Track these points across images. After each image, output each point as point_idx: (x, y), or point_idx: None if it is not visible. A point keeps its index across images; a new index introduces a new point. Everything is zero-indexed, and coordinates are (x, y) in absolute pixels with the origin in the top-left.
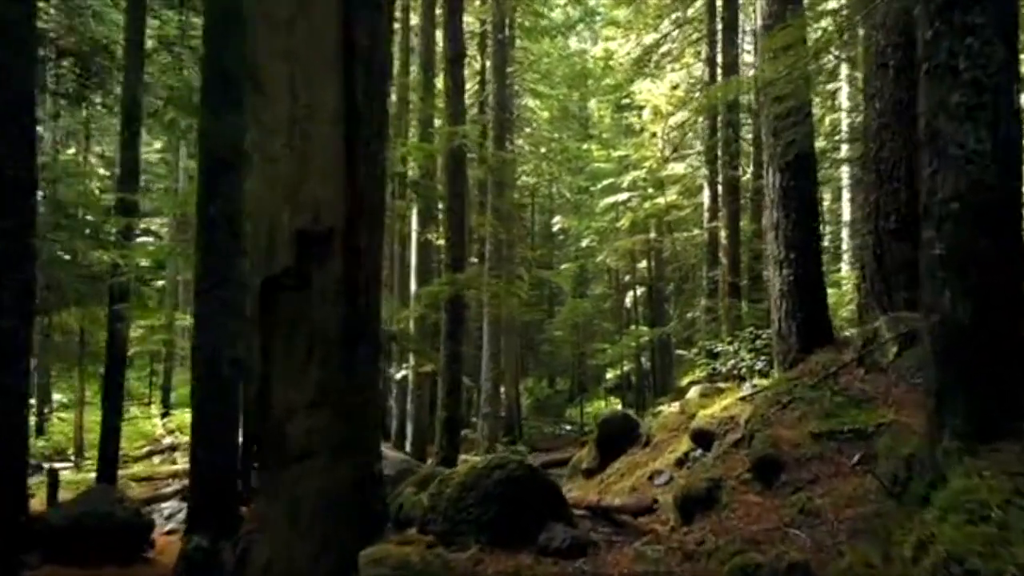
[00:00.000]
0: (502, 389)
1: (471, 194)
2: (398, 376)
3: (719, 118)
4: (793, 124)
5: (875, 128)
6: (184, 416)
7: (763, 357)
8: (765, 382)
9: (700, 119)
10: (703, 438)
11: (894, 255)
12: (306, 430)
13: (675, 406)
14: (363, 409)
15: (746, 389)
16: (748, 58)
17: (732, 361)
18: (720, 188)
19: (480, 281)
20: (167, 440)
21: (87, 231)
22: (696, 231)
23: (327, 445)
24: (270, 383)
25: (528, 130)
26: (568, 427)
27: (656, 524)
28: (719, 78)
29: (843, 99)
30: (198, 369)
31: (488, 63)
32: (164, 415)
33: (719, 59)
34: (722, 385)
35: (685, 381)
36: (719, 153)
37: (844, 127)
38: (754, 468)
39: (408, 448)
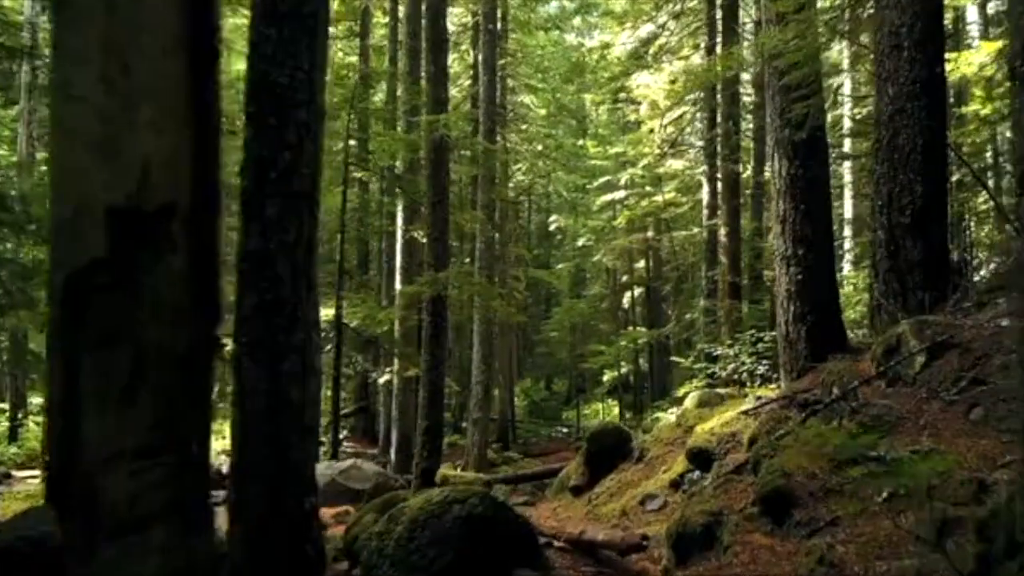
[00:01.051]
0: (495, 392)
1: (464, 191)
2: (381, 380)
3: (719, 111)
4: (805, 96)
5: (888, 114)
6: None
7: (765, 361)
8: (770, 392)
9: (699, 113)
10: (701, 457)
11: (909, 252)
12: (132, 491)
13: (672, 416)
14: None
15: (749, 401)
16: (748, 51)
17: (732, 365)
18: (720, 184)
19: (469, 280)
20: None
21: (31, 227)
22: (695, 229)
23: (169, 511)
24: (77, 420)
25: (524, 126)
26: (564, 430)
27: (647, 562)
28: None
29: (846, 90)
30: None
31: (480, 55)
32: None
33: (719, 49)
34: (721, 391)
35: (682, 391)
36: (719, 148)
37: (847, 122)
38: (761, 502)
39: (393, 455)
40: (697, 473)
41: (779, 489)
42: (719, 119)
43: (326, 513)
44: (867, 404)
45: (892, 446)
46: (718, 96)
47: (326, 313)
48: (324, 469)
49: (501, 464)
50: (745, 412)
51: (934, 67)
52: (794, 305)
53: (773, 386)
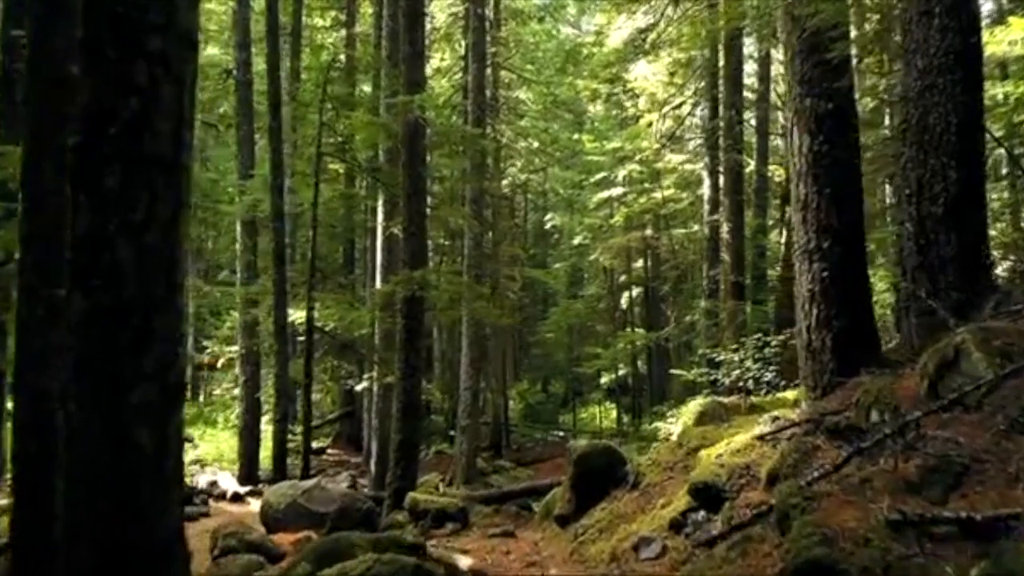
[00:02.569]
0: (489, 396)
1: (455, 187)
2: (358, 387)
3: (720, 100)
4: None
5: (917, 91)
6: None
7: (771, 367)
8: (790, 413)
9: (699, 106)
10: (707, 494)
11: (942, 247)
12: None
13: (672, 425)
14: None
15: (764, 423)
16: (750, 42)
17: (736, 371)
18: (722, 178)
19: (455, 280)
20: None
21: None
22: (695, 227)
23: None
24: None
25: (520, 121)
26: (561, 434)
27: None
28: (720, 60)
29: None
30: (20, 407)
31: (469, 42)
32: None
33: (720, 36)
34: (725, 400)
35: (683, 410)
36: (721, 140)
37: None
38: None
39: (372, 467)
40: (702, 513)
41: (818, 561)
42: (721, 109)
43: (285, 540)
44: (923, 437)
45: (973, 503)
46: (720, 86)
47: (298, 315)
48: (287, 489)
49: (491, 473)
50: (761, 437)
51: (969, 36)
52: (818, 308)
53: (785, 395)
